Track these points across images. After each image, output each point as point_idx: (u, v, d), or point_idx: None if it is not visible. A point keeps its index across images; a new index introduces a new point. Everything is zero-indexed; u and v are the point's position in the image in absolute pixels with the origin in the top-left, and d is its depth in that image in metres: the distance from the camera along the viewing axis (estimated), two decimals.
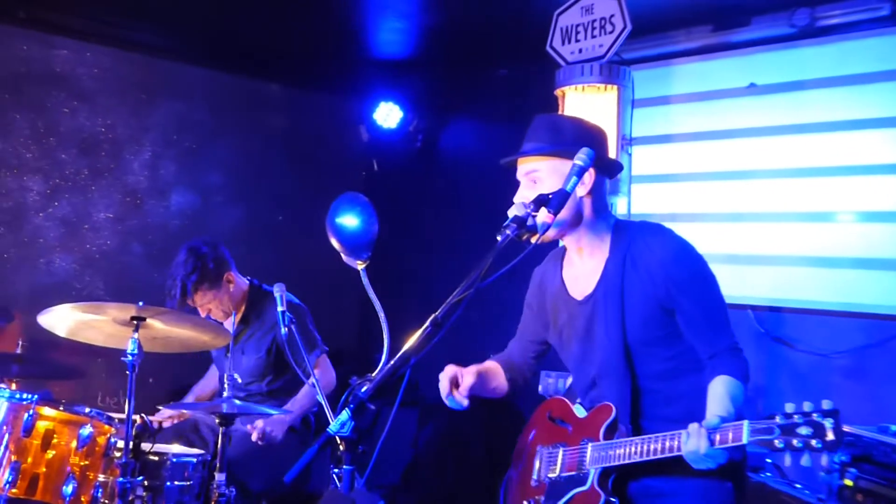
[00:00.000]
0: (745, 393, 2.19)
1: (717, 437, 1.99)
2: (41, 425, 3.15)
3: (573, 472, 2.29)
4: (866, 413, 3.27)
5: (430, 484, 5.01)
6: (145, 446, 3.17)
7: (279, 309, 3.29)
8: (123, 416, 3.05)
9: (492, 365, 2.64)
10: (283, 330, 3.26)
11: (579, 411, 2.40)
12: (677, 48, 4.46)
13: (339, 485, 2.03)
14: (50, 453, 3.14)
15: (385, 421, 2.06)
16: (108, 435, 3.25)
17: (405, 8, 4.63)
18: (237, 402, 3.36)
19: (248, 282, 4.18)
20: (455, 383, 2.40)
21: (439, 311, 2.02)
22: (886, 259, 3.73)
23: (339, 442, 1.97)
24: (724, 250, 4.19)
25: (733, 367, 2.21)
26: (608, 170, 2.43)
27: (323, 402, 3.10)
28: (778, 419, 1.90)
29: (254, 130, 5.90)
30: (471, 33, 4.88)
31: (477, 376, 2.43)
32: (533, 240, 2.19)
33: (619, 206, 4.10)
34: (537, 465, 2.45)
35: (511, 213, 2.21)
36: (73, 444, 3.17)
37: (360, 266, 3.44)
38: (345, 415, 1.95)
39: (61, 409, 3.22)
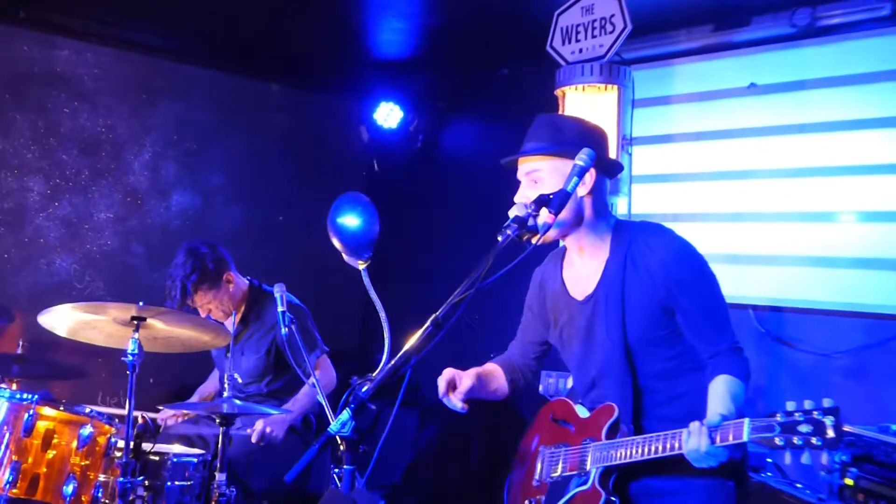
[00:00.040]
0: (746, 392, 2.19)
1: (718, 436, 1.99)
2: (42, 425, 3.15)
3: (575, 472, 2.29)
4: (867, 413, 3.27)
5: (430, 484, 5.01)
6: (146, 446, 3.17)
7: (279, 309, 3.28)
8: (124, 411, 3.04)
9: (492, 367, 2.64)
10: (284, 330, 3.25)
11: (582, 412, 2.40)
12: (678, 48, 4.45)
13: (339, 485, 2.03)
14: (50, 453, 3.14)
15: (386, 421, 2.05)
16: (109, 435, 3.25)
17: (405, 8, 4.63)
18: (237, 402, 3.36)
19: (248, 282, 4.18)
20: (452, 386, 2.40)
21: (440, 311, 2.02)
22: (887, 259, 3.73)
23: (339, 442, 1.97)
24: (724, 250, 4.19)
25: (734, 366, 2.21)
26: (609, 170, 2.43)
27: (324, 403, 3.10)
28: (779, 417, 1.90)
29: (254, 131, 5.91)
30: (471, 33, 4.88)
31: (476, 379, 2.44)
32: (534, 240, 2.18)
33: (620, 207, 4.10)
34: (539, 465, 2.45)
35: (512, 213, 2.20)
36: (74, 444, 3.18)
37: (361, 266, 3.44)
38: (345, 415, 1.95)
39: (62, 409, 3.22)
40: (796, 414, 1.89)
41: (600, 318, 2.33)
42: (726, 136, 4.29)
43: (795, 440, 1.87)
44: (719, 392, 2.16)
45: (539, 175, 2.32)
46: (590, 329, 2.37)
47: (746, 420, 1.95)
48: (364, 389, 1.97)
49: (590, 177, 2.27)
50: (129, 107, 5.35)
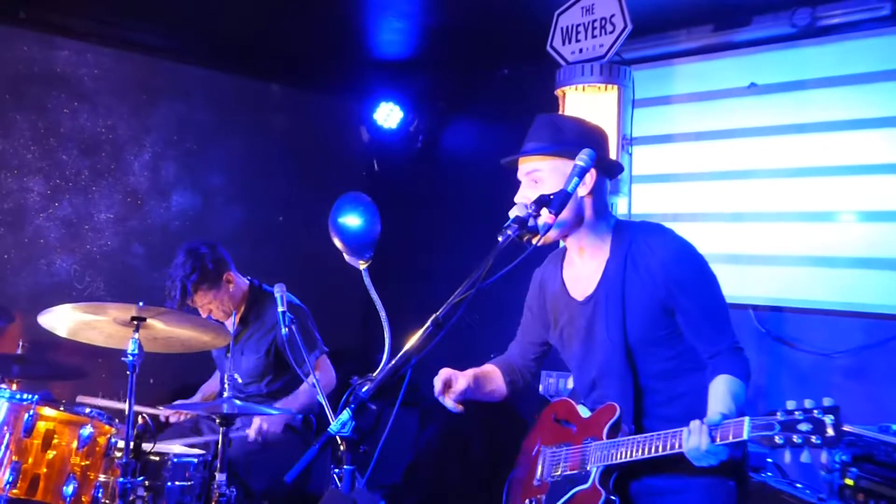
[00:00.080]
0: (746, 392, 2.19)
1: (719, 434, 1.99)
2: (42, 425, 3.15)
3: (575, 472, 2.29)
4: (867, 412, 3.27)
5: (431, 484, 5.01)
6: (146, 446, 3.17)
7: (280, 309, 3.29)
8: (124, 406, 3.04)
9: (490, 368, 2.64)
10: (284, 330, 3.26)
11: (583, 412, 2.40)
12: (678, 48, 4.45)
13: (339, 485, 2.02)
14: (50, 454, 3.14)
15: (386, 421, 2.05)
16: (109, 435, 3.25)
17: (406, 8, 4.62)
18: (237, 402, 3.36)
19: (248, 282, 4.18)
20: (448, 385, 2.41)
21: (440, 311, 2.02)
22: (887, 259, 3.73)
23: (340, 442, 1.97)
24: (725, 250, 4.19)
25: (734, 366, 2.21)
26: (609, 170, 2.43)
27: (324, 403, 3.10)
28: (779, 416, 1.91)
29: (254, 131, 5.90)
30: (471, 33, 4.88)
31: (473, 380, 2.44)
32: (534, 241, 2.18)
33: (620, 207, 4.10)
34: (540, 465, 2.45)
35: (512, 213, 2.20)
36: (74, 444, 3.18)
37: (362, 266, 3.43)
38: (346, 415, 1.95)
39: (62, 409, 3.22)
40: (796, 413, 1.89)
41: (601, 318, 2.33)
42: (726, 136, 4.29)
43: (795, 439, 1.87)
44: (720, 391, 2.17)
45: (539, 175, 2.32)
46: (590, 329, 2.37)
47: (746, 418, 1.95)
48: (364, 389, 1.97)
49: (590, 177, 2.27)
50: (129, 107, 5.35)
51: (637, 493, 2.28)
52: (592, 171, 2.26)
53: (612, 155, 3.27)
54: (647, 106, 4.36)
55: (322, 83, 6.01)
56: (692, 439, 2.02)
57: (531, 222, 2.17)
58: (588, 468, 2.25)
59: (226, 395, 3.37)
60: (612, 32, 3.92)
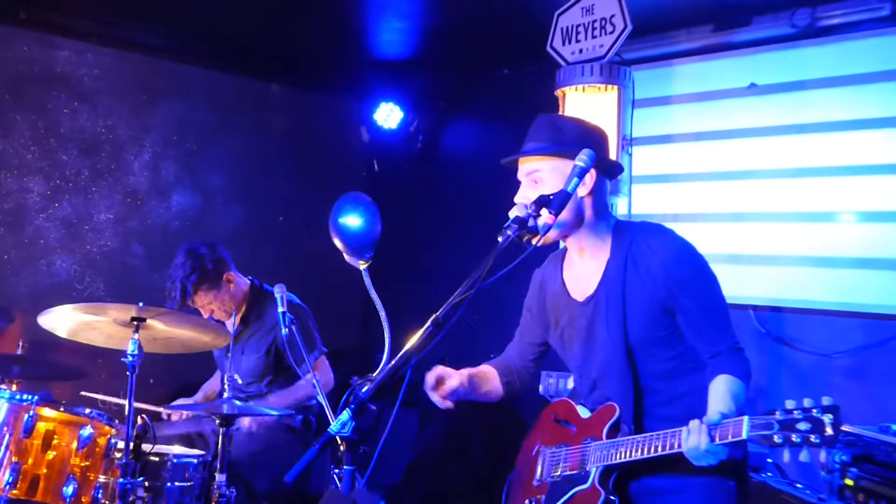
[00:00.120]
0: (746, 392, 2.19)
1: (718, 433, 1.99)
2: (42, 426, 3.15)
3: (575, 472, 2.29)
4: (867, 413, 3.27)
5: (431, 484, 5.00)
6: (146, 447, 3.18)
7: (280, 310, 3.29)
8: (124, 401, 3.04)
9: (486, 369, 2.63)
10: (284, 330, 3.26)
11: (583, 412, 2.40)
12: (678, 48, 4.45)
13: (339, 485, 2.03)
14: (50, 454, 3.14)
15: (386, 421, 2.05)
16: (109, 436, 3.25)
17: (406, 8, 4.63)
18: (238, 402, 3.36)
19: (248, 282, 4.19)
20: (440, 382, 2.41)
21: (440, 311, 2.02)
22: (886, 259, 3.73)
23: (340, 442, 1.97)
24: (724, 250, 4.19)
25: (734, 366, 2.21)
26: (609, 171, 2.43)
27: (323, 403, 3.11)
28: (778, 415, 1.91)
29: (254, 131, 5.90)
30: (471, 33, 4.88)
31: (467, 381, 2.44)
32: (534, 241, 2.18)
33: (620, 207, 4.10)
34: (540, 465, 2.45)
35: (512, 213, 2.20)
36: (74, 444, 3.17)
37: (362, 266, 3.44)
38: (346, 415, 1.95)
39: (62, 409, 3.22)
40: (795, 412, 1.89)
41: (601, 318, 2.33)
42: (726, 136, 4.29)
43: (794, 438, 1.87)
44: (720, 391, 2.17)
45: (539, 175, 2.32)
46: (591, 330, 2.37)
47: (746, 418, 1.95)
48: (364, 390, 1.97)
49: (590, 177, 2.27)
50: (129, 107, 5.35)
51: (637, 493, 2.28)
52: (592, 171, 2.26)
53: (612, 155, 3.27)
54: (647, 106, 4.36)
55: (322, 83, 6.01)
56: (691, 439, 2.02)
57: (531, 222, 2.17)
58: (587, 468, 2.25)
59: (226, 395, 3.37)
60: (612, 33, 3.92)
